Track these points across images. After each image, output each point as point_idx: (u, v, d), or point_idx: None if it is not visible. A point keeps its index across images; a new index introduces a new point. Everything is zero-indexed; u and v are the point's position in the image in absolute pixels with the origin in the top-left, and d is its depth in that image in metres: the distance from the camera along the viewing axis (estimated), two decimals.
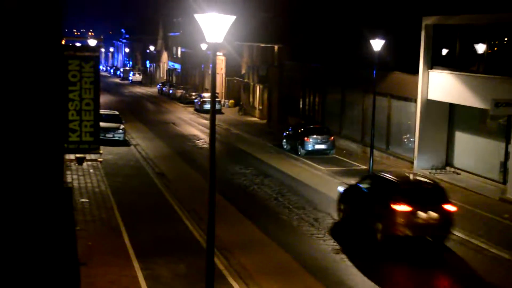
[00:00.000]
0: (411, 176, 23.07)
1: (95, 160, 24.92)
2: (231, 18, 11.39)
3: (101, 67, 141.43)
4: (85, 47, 16.51)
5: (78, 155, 17.21)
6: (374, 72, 29.78)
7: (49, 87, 4.99)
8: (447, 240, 19.14)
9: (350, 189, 22.22)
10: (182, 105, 65.63)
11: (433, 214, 18.64)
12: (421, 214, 18.56)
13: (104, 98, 65.62)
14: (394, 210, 18.61)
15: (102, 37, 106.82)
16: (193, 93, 66.26)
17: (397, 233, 18.77)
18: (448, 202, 19.11)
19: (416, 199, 19.00)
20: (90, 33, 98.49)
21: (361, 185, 21.55)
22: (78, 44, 45.09)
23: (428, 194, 19.86)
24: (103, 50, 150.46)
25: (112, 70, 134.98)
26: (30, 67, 4.84)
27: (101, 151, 19.44)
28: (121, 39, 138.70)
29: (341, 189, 22.95)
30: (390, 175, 21.22)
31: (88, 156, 21.34)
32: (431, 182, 20.91)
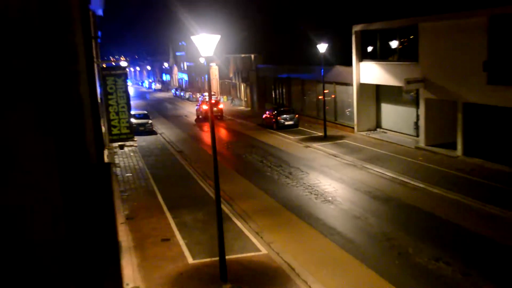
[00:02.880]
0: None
1: (132, 145, 24.96)
2: (217, 37, 11.35)
3: (133, 81, 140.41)
4: (117, 67, 16.32)
5: (119, 143, 17.17)
6: (322, 67, 29.87)
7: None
8: None
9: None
10: (190, 102, 65.26)
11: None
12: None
13: (135, 102, 65.44)
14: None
15: (128, 59, 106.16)
16: (198, 94, 65.81)
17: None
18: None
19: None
20: (122, 58, 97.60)
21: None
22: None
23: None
24: (132, 69, 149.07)
25: (139, 83, 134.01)
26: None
27: (135, 139, 19.50)
28: (144, 60, 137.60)
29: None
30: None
31: (127, 144, 21.38)
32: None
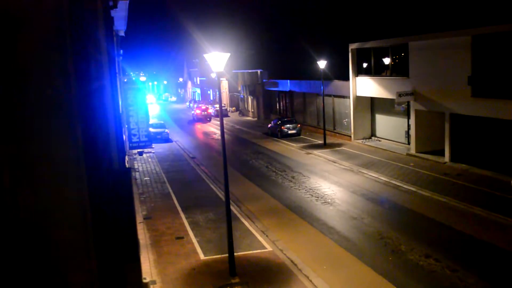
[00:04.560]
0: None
1: (150, 152, 25.01)
2: (227, 55, 11.38)
3: (151, 93, 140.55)
4: (137, 82, 16.45)
5: (138, 150, 17.21)
6: (321, 81, 29.87)
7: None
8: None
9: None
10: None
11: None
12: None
13: (153, 113, 65.51)
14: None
15: (147, 74, 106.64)
16: (209, 105, 65.83)
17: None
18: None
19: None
20: (141, 74, 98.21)
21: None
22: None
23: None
24: (150, 83, 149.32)
25: (157, 96, 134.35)
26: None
27: (153, 146, 19.60)
28: (161, 75, 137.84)
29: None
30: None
31: (146, 150, 21.44)
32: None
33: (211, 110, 53.80)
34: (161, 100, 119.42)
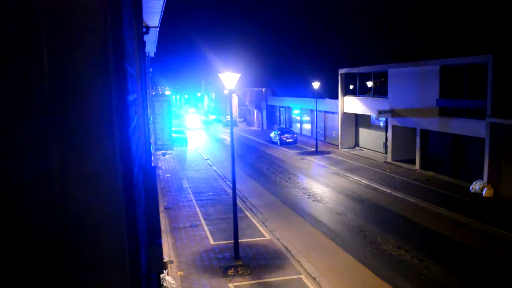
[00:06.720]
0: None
1: (171, 153, 24.87)
2: (238, 75, 11.40)
3: (174, 105, 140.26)
4: (163, 95, 16.52)
5: (162, 151, 17.24)
6: (315, 99, 29.84)
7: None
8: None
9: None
10: (217, 123, 65.36)
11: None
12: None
13: (175, 121, 65.52)
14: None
15: (170, 89, 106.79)
16: (222, 117, 65.97)
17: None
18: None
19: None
20: (166, 88, 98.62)
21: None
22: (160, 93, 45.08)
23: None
24: (173, 97, 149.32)
25: (179, 108, 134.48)
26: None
27: (174, 149, 19.60)
28: (183, 90, 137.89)
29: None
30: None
31: (168, 152, 21.44)
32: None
33: (212, 117, 66.10)
34: (182, 111, 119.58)
